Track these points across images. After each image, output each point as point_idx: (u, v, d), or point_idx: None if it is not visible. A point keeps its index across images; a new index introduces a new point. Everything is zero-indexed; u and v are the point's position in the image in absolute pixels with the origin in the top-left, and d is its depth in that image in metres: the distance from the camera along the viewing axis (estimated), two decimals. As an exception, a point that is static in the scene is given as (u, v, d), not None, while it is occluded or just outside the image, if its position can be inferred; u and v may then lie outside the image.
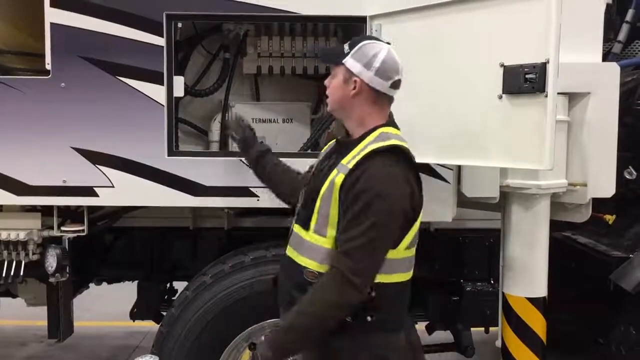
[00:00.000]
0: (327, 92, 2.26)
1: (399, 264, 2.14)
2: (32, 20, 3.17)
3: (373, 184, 2.01)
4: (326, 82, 2.28)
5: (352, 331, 2.08)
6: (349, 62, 2.16)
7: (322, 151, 2.44)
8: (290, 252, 2.25)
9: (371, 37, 2.33)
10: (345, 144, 2.22)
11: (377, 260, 2.04)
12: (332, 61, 2.26)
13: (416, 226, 2.16)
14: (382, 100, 2.20)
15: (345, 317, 2.04)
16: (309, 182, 2.29)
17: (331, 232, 2.08)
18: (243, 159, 3.01)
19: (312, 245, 2.13)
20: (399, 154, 2.11)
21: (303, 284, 2.12)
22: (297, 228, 2.25)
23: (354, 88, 2.16)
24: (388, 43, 2.24)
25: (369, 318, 2.07)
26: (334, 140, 2.40)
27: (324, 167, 2.25)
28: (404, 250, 2.13)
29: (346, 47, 2.20)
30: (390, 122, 2.24)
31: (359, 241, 1.99)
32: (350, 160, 2.10)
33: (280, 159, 2.77)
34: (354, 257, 1.99)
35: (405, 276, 2.18)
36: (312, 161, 2.48)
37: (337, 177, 2.08)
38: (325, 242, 2.10)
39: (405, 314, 2.29)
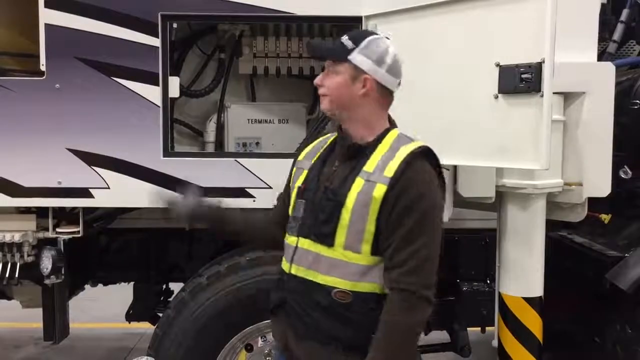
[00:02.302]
0: (324, 91, 2.02)
1: None
2: (26, 21, 3.15)
3: (422, 192, 1.91)
4: (319, 80, 2.04)
5: None
6: (357, 58, 1.97)
7: (306, 150, 2.22)
8: (302, 272, 2.01)
9: (370, 31, 2.15)
10: (356, 149, 2.03)
11: (436, 267, 1.94)
12: (335, 57, 2.00)
13: None
14: (388, 99, 2.06)
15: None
16: (312, 191, 2.05)
17: (366, 247, 1.93)
18: (239, 159, 3.01)
19: (341, 263, 1.94)
20: (430, 156, 2.00)
21: (333, 306, 1.95)
22: (307, 244, 2.01)
23: (363, 86, 1.99)
24: (387, 37, 2.06)
25: None
26: (320, 139, 2.23)
27: (327, 173, 2.06)
28: None
29: (348, 42, 1.99)
30: (395, 124, 2.10)
31: (423, 254, 1.88)
32: (378, 166, 1.94)
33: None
34: (422, 272, 1.89)
35: None
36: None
37: (374, 188, 1.91)
38: (361, 259, 1.94)
39: None
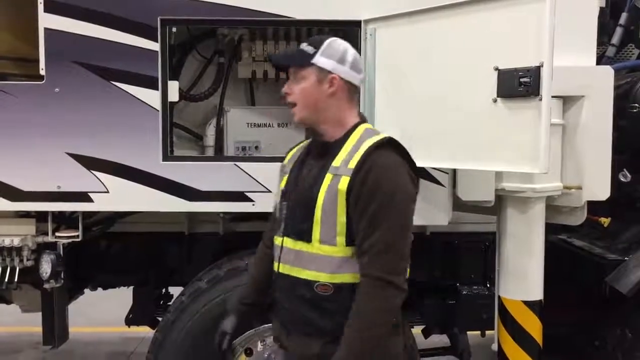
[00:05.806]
0: (294, 99, 2.10)
1: None
2: (26, 26, 3.16)
3: (384, 178, 1.96)
4: (287, 88, 2.13)
5: (398, 332, 2.06)
6: (321, 60, 2.08)
7: (289, 155, 2.32)
8: (288, 270, 2.10)
9: (327, 35, 2.23)
10: (326, 146, 2.11)
11: (407, 253, 1.99)
12: (298, 64, 2.11)
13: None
14: (355, 95, 2.18)
15: (393, 320, 1.98)
16: (292, 192, 2.14)
17: (340, 239, 1.99)
18: (238, 163, 3.01)
19: (319, 257, 2.02)
20: (394, 146, 2.06)
21: (316, 299, 2.02)
22: (289, 242, 2.10)
23: (331, 86, 2.08)
24: None
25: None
26: (301, 143, 2.31)
27: (305, 174, 2.14)
28: None
29: (308, 47, 2.10)
30: (365, 119, 2.21)
31: (388, 239, 1.93)
32: (344, 160, 2.02)
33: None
34: (386, 257, 1.92)
35: (408, 272, 2.12)
36: None
37: (339, 181, 1.98)
38: (337, 251, 2.00)
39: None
